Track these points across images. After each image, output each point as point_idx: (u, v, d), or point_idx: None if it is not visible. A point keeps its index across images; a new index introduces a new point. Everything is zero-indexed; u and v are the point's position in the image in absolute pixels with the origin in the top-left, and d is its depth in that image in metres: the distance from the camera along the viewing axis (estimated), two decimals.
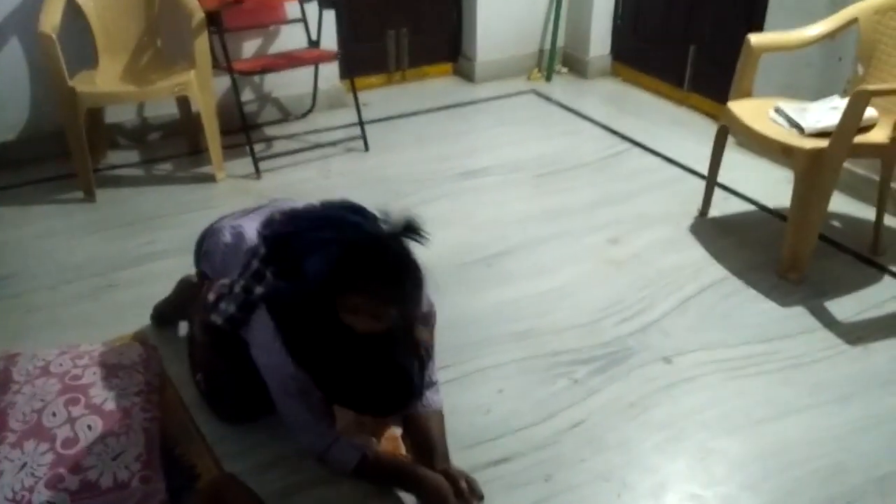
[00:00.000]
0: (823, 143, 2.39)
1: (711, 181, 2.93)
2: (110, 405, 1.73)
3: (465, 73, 4.41)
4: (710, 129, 3.70)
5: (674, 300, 2.47)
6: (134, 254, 2.69)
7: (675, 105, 4.06)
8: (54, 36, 2.82)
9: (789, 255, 2.55)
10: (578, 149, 3.57)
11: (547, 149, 3.57)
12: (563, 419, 1.99)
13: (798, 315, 2.41)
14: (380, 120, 3.81)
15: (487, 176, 3.31)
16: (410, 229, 1.58)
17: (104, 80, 3.07)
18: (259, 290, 1.68)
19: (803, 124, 2.48)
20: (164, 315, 2.28)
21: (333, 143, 3.57)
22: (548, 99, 4.17)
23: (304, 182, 3.20)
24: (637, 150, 3.57)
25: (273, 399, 1.73)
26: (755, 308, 2.44)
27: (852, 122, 2.30)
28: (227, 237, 1.90)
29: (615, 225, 2.91)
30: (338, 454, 1.74)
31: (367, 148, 3.52)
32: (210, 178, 3.22)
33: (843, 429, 1.97)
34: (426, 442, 1.77)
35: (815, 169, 2.40)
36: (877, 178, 2.70)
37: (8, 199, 3.07)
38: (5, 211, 2.98)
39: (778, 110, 2.62)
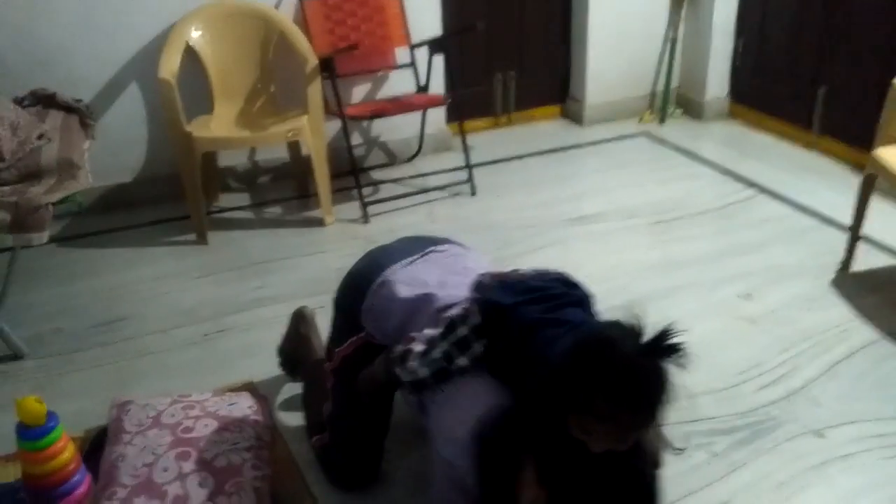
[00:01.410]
0: None
1: (855, 232, 2.67)
2: (221, 461, 1.65)
3: (574, 116, 4.28)
4: (843, 174, 3.46)
5: (821, 364, 2.23)
6: (243, 298, 2.66)
7: (803, 149, 3.79)
8: (173, 81, 2.87)
9: None
10: (698, 194, 3.37)
11: (663, 194, 3.38)
12: (704, 499, 1.78)
13: None
14: (486, 163, 3.71)
15: (600, 222, 3.15)
16: (667, 346, 1.23)
17: (219, 125, 3.10)
18: (463, 361, 1.48)
19: None
20: (289, 354, 2.19)
21: (440, 188, 3.49)
22: (661, 142, 3.99)
23: (411, 227, 3.12)
24: (763, 196, 3.33)
25: (432, 482, 1.56)
26: None
27: None
28: (404, 292, 1.65)
29: (747, 277, 2.68)
30: None
31: (473, 192, 3.43)
32: (319, 222, 3.19)
33: None
34: None
35: None
36: None
37: (124, 240, 3.11)
38: (121, 252, 3.02)
39: None
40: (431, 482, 1.55)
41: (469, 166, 3.44)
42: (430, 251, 1.75)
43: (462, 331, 1.45)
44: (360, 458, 1.83)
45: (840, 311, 2.48)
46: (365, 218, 3.21)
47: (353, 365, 1.72)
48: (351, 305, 1.74)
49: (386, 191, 3.49)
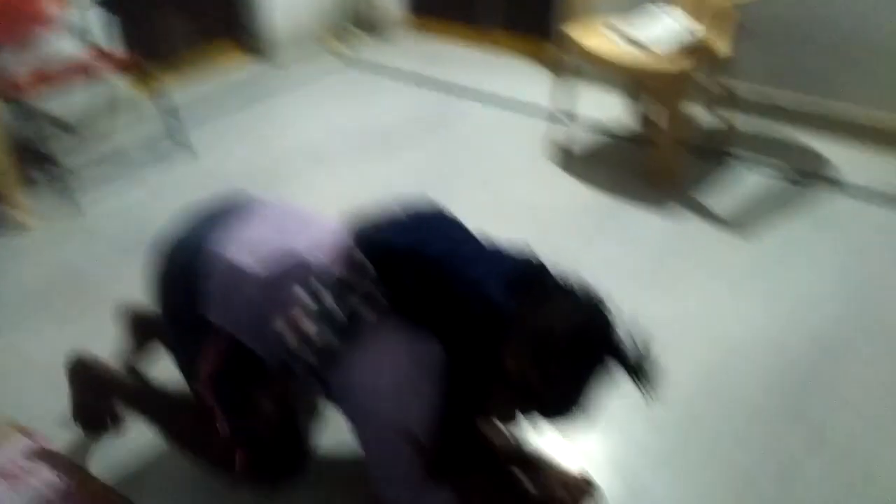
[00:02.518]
0: (684, 62, 2.50)
1: (561, 116, 2.99)
2: None
3: (258, 52, 4.10)
4: (530, 65, 3.81)
5: (580, 236, 2.51)
6: None
7: (490, 47, 4.08)
8: None
9: (664, 168, 2.68)
10: (412, 110, 3.48)
11: (380, 116, 3.43)
12: None
13: (687, 220, 2.55)
14: (192, 120, 3.41)
15: (332, 155, 3.12)
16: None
17: None
18: (369, 315, 1.36)
19: (648, 43, 2.58)
20: (92, 410, 1.80)
21: (150, 154, 3.15)
22: (358, 66, 4.01)
23: (140, 206, 2.79)
24: (471, 100, 3.54)
25: (373, 448, 1.45)
26: (649, 223, 2.55)
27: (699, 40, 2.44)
28: (250, 262, 1.45)
29: (490, 176, 2.88)
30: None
31: (191, 152, 3.15)
32: (19, 227, 2.70)
33: (771, 312, 2.14)
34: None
35: (678, 86, 2.52)
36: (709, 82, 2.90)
37: None
38: None
39: (611, 27, 2.69)
40: (365, 448, 1.46)
41: (175, 125, 3.14)
42: (241, 211, 1.56)
43: (360, 285, 1.36)
44: (291, 446, 1.67)
45: (574, 186, 2.79)
46: (77, 209, 2.79)
47: (229, 372, 1.52)
48: (185, 307, 1.50)
49: (93, 172, 3.05)
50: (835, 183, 2.68)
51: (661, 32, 2.60)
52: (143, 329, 1.90)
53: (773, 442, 1.75)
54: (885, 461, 1.69)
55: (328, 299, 1.35)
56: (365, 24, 4.37)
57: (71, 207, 2.79)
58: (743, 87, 3.04)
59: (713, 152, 2.92)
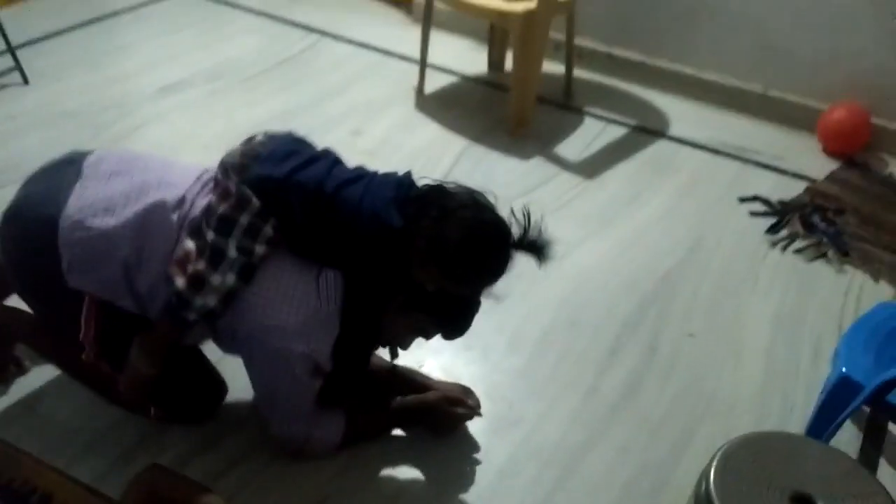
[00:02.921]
0: (531, 4, 2.63)
1: (423, 59, 3.04)
2: None
3: None
4: (385, 9, 3.81)
5: (438, 175, 2.58)
6: None
7: None
8: None
9: (517, 113, 2.82)
10: (268, 46, 3.39)
11: (235, 51, 3.32)
12: None
13: (540, 165, 2.71)
14: (23, 45, 3.13)
15: (187, 90, 2.99)
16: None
17: None
18: (260, 249, 1.32)
19: None
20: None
21: None
22: None
23: None
24: (326, 39, 3.50)
25: (272, 386, 1.46)
26: (505, 166, 2.68)
27: None
28: (109, 221, 1.37)
29: (350, 116, 2.89)
30: (323, 432, 1.56)
31: (26, 80, 2.90)
32: None
33: (618, 248, 2.35)
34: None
35: (530, 29, 2.64)
36: (560, 36, 3.05)
37: None
38: None
39: None
40: (262, 386, 1.49)
41: (11, 49, 2.87)
42: (88, 164, 1.48)
43: (245, 219, 1.32)
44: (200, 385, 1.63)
45: (433, 129, 2.87)
46: None
47: (113, 334, 1.46)
48: (45, 280, 1.42)
49: None
50: (675, 136, 2.94)
51: None
52: None
53: (617, 360, 1.95)
54: (712, 373, 1.94)
55: (212, 236, 1.32)
56: None
57: None
58: (595, 46, 3.25)
59: (565, 104, 3.10)
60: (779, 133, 2.98)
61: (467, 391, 1.74)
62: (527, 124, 2.83)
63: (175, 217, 1.38)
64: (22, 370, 1.72)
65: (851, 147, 2.83)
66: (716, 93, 3.11)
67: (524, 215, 1.41)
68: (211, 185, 1.42)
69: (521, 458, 1.68)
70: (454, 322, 1.47)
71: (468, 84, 3.23)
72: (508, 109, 2.86)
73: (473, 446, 1.69)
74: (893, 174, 2.77)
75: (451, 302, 1.43)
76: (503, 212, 1.44)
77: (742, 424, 1.77)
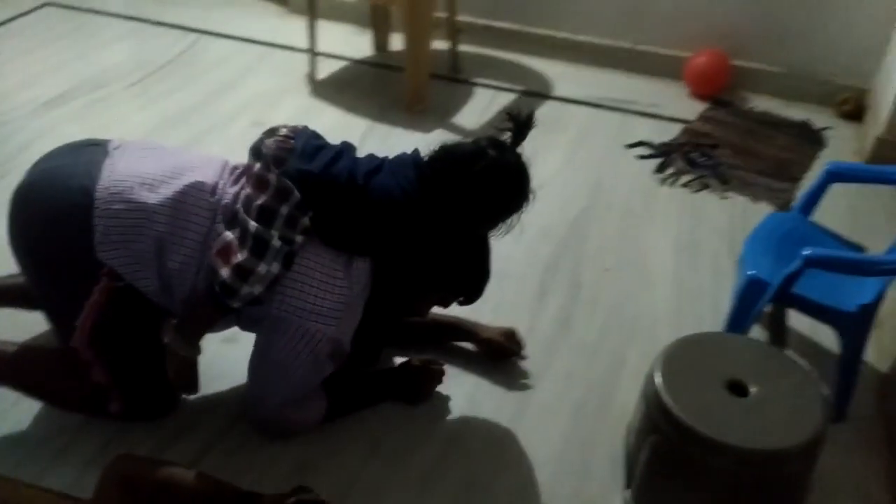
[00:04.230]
0: None
1: (312, 46, 3.09)
2: None
3: None
4: (257, 3, 3.81)
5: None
6: None
7: None
8: None
9: (413, 89, 2.92)
10: (149, 49, 3.33)
11: (115, 57, 3.24)
12: None
13: (442, 136, 2.79)
14: None
15: (74, 100, 2.91)
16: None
17: None
18: (299, 238, 1.40)
19: None
20: None
21: None
22: (70, 7, 3.68)
23: None
24: (206, 38, 3.47)
25: (281, 363, 1.49)
26: (409, 141, 2.78)
27: None
28: (147, 195, 1.42)
29: (248, 109, 2.91)
30: (309, 413, 1.63)
31: None
32: None
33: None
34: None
35: (417, 8, 2.75)
36: (442, 14, 3.18)
37: None
38: None
39: None
40: (272, 364, 1.52)
41: None
42: (113, 146, 1.53)
43: (285, 209, 1.39)
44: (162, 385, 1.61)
45: (333, 113, 2.94)
46: None
47: (115, 321, 1.48)
48: (64, 253, 1.44)
49: None
50: (559, 96, 3.14)
51: None
52: None
53: (546, 301, 2.12)
54: (631, 299, 2.14)
55: (254, 226, 1.38)
56: None
57: None
58: (474, 19, 3.41)
59: (454, 77, 3.24)
60: (651, 83, 3.25)
61: (510, 333, 1.90)
62: (423, 100, 2.94)
63: (211, 200, 1.45)
64: None
65: (716, 88, 3.13)
66: (590, 53, 3.34)
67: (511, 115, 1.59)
68: (237, 173, 1.50)
69: (479, 397, 1.81)
70: (474, 291, 1.65)
71: (358, 67, 3.31)
72: (404, 87, 2.96)
73: (437, 396, 1.80)
74: (755, 108, 3.09)
75: (470, 275, 1.61)
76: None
77: (665, 340, 1.90)
